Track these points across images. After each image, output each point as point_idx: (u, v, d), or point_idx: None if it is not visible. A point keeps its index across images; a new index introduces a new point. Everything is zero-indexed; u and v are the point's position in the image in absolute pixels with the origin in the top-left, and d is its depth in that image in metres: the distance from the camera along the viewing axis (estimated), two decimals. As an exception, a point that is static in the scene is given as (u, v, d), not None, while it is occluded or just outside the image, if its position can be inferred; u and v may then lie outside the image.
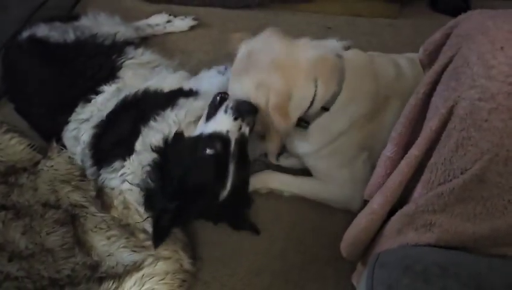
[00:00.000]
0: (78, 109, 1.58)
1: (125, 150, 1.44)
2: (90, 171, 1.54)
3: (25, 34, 1.74)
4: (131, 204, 1.44)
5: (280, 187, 1.59)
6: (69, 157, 1.58)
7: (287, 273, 1.47)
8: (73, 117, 1.57)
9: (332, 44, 1.42)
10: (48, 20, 1.79)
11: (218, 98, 1.39)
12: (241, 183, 1.42)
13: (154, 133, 1.42)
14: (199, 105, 1.49)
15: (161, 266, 1.37)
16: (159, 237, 1.33)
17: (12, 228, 1.43)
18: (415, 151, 1.02)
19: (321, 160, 1.50)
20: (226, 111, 1.34)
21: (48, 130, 1.65)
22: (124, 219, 1.46)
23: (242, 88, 1.36)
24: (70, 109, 1.58)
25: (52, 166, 1.56)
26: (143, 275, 1.35)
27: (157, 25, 2.10)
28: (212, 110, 1.39)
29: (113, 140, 1.48)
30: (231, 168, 1.34)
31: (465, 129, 0.90)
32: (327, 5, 2.17)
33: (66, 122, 1.58)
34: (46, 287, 1.36)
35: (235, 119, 1.33)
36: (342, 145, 1.44)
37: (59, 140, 1.61)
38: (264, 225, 1.55)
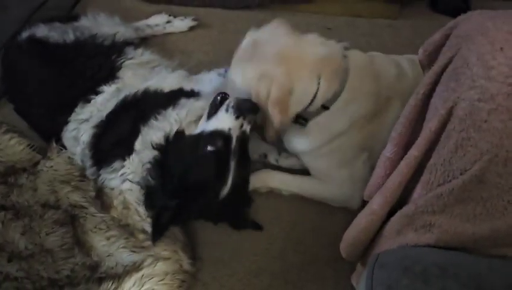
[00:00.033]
0: (77, 109, 1.58)
1: (125, 149, 1.44)
2: (90, 171, 1.54)
3: (25, 34, 1.74)
4: (131, 204, 1.44)
5: (279, 186, 1.59)
6: (69, 157, 1.58)
7: (286, 273, 1.47)
8: (73, 117, 1.58)
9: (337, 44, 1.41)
10: (48, 20, 1.79)
11: (219, 98, 1.39)
12: (242, 181, 1.42)
13: (155, 131, 1.42)
14: (200, 105, 1.49)
15: (161, 266, 1.37)
16: (158, 233, 1.33)
17: (11, 228, 1.42)
18: (415, 151, 1.02)
19: (319, 159, 1.50)
20: (227, 110, 1.34)
21: (48, 130, 1.65)
22: (124, 219, 1.46)
23: (244, 77, 1.35)
24: (69, 109, 1.58)
25: (51, 166, 1.56)
26: (142, 275, 1.35)
27: (156, 25, 2.10)
28: (213, 110, 1.39)
29: (113, 140, 1.49)
30: (232, 165, 1.34)
31: (465, 130, 0.91)
32: (327, 5, 2.17)
33: (66, 123, 1.58)
34: (46, 287, 1.36)
35: (237, 117, 1.33)
36: (341, 145, 1.44)
37: (58, 140, 1.61)
38: (263, 225, 1.55)
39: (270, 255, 1.51)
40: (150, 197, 1.37)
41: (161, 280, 1.35)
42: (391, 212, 1.10)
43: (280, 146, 1.59)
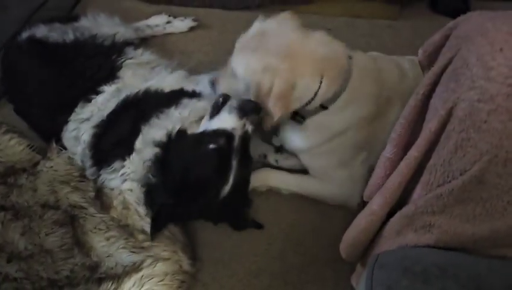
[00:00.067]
0: (78, 109, 1.58)
1: (126, 149, 1.44)
2: (90, 171, 1.54)
3: (25, 34, 1.74)
4: (131, 204, 1.44)
5: (279, 185, 1.59)
6: (69, 158, 1.58)
7: (286, 274, 1.47)
8: (73, 117, 1.57)
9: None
10: (48, 21, 1.79)
11: (221, 99, 1.39)
12: (243, 181, 1.42)
13: (157, 130, 1.42)
14: (202, 105, 1.50)
15: (160, 267, 1.37)
16: (157, 230, 1.34)
17: (11, 228, 1.42)
18: (415, 152, 1.02)
19: (317, 158, 1.50)
20: (230, 111, 1.35)
21: (48, 130, 1.65)
22: (124, 220, 1.45)
23: (247, 66, 1.34)
24: (69, 109, 1.58)
25: (51, 167, 1.56)
26: (142, 276, 1.35)
27: (156, 25, 2.10)
28: (216, 110, 1.39)
29: (114, 140, 1.49)
30: (234, 164, 1.34)
31: (465, 130, 0.91)
32: (327, 6, 2.17)
33: (66, 122, 1.58)
34: (45, 288, 1.36)
35: (240, 118, 1.34)
36: (339, 145, 1.44)
37: (58, 141, 1.60)
38: (263, 226, 1.55)
39: (269, 255, 1.51)
40: (150, 195, 1.37)
41: (161, 281, 1.35)
42: (391, 213, 1.10)
43: (276, 139, 1.58)
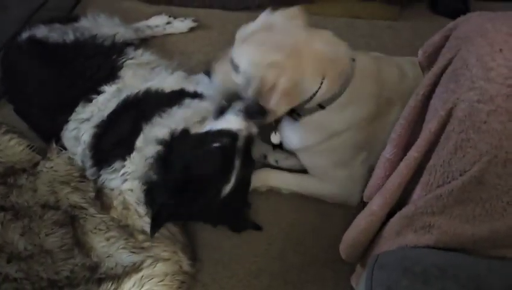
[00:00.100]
0: (78, 109, 1.57)
1: (126, 149, 1.44)
2: (90, 171, 1.54)
3: (25, 34, 1.74)
4: (131, 205, 1.44)
5: (279, 185, 1.60)
6: (69, 158, 1.58)
7: (286, 274, 1.47)
8: (74, 117, 1.57)
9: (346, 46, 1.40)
10: (48, 21, 1.79)
11: (224, 101, 1.40)
12: (244, 182, 1.42)
13: (160, 128, 1.42)
14: (205, 106, 1.50)
15: (160, 267, 1.37)
16: (157, 227, 1.34)
17: (11, 229, 1.42)
18: (414, 153, 1.02)
19: (316, 157, 1.50)
20: (235, 113, 1.36)
21: (48, 131, 1.65)
22: (124, 220, 1.45)
23: (252, 59, 1.31)
24: (70, 109, 1.58)
25: (51, 167, 1.56)
26: (142, 276, 1.35)
27: (156, 26, 2.10)
28: (220, 112, 1.40)
29: (114, 140, 1.48)
30: (237, 163, 1.35)
31: (464, 131, 0.90)
32: (327, 7, 2.17)
33: (66, 122, 1.58)
34: (45, 288, 1.36)
35: (245, 120, 1.35)
36: (338, 145, 1.44)
37: (58, 141, 1.60)
38: (263, 226, 1.55)
39: (269, 256, 1.51)
40: (151, 192, 1.37)
41: (161, 281, 1.35)
42: (391, 214, 1.10)
43: (274, 136, 1.58)
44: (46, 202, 1.51)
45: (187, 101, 1.52)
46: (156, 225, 1.34)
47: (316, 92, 1.33)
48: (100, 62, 1.64)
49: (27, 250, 1.40)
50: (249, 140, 1.38)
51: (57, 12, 2.07)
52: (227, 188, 1.35)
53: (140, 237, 1.44)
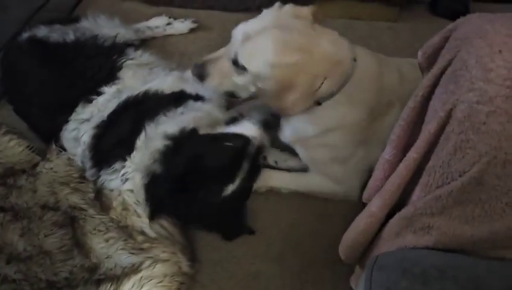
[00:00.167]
0: (78, 109, 1.58)
1: (126, 149, 1.44)
2: (90, 172, 1.54)
3: (25, 34, 1.74)
4: (130, 205, 1.44)
5: (279, 185, 1.60)
6: (68, 159, 1.58)
7: (285, 276, 1.47)
8: (73, 117, 1.57)
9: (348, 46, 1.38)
10: (48, 22, 1.80)
11: (237, 113, 1.46)
12: (246, 188, 1.43)
13: (170, 125, 1.42)
14: (210, 109, 1.52)
15: (159, 268, 1.37)
16: (155, 210, 1.36)
17: (10, 230, 1.42)
18: (414, 154, 1.02)
19: (313, 151, 1.50)
20: (253, 122, 1.39)
21: (47, 131, 1.65)
22: (123, 221, 1.45)
23: (266, 59, 1.27)
24: (70, 109, 1.58)
25: (51, 168, 1.56)
26: (141, 277, 1.35)
27: (157, 27, 2.11)
28: (235, 119, 1.43)
29: (114, 140, 1.48)
30: (245, 166, 1.36)
31: (464, 132, 0.90)
32: (326, 8, 2.17)
33: (66, 122, 1.58)
34: (44, 289, 1.36)
35: (262, 130, 1.38)
36: (334, 141, 1.44)
37: (57, 141, 1.60)
38: (262, 228, 1.55)
39: (268, 257, 1.51)
40: (153, 185, 1.36)
41: (160, 282, 1.35)
42: (390, 215, 1.10)
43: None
44: (46, 203, 1.51)
45: (191, 103, 1.52)
46: (155, 211, 1.35)
47: (316, 91, 1.33)
48: (101, 62, 1.64)
49: (26, 251, 1.40)
50: (260, 150, 1.40)
51: (57, 13, 2.08)
52: (231, 189, 1.36)
53: (140, 238, 1.44)
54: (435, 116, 0.97)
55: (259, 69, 1.30)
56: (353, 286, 1.29)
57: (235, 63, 1.34)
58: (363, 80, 1.37)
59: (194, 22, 2.14)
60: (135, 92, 1.55)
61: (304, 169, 1.60)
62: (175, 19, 2.14)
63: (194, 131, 1.41)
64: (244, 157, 1.36)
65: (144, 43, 2.01)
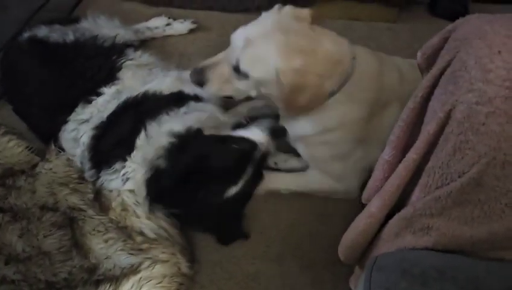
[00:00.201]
0: (78, 110, 1.57)
1: (126, 149, 1.43)
2: (89, 173, 1.53)
3: (25, 34, 1.74)
4: (129, 206, 1.44)
5: (279, 186, 1.60)
6: (67, 159, 1.58)
7: (284, 277, 1.47)
8: (73, 117, 1.57)
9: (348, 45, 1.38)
10: (48, 22, 1.80)
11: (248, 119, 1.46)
12: (247, 192, 1.43)
13: (176, 123, 1.41)
14: (212, 110, 1.52)
15: (159, 269, 1.37)
16: (153, 200, 1.36)
17: (9, 230, 1.42)
18: (413, 154, 1.02)
19: (313, 149, 1.50)
20: (262, 129, 1.40)
21: (47, 132, 1.65)
22: (122, 221, 1.45)
23: (274, 64, 1.25)
24: (69, 110, 1.58)
25: (50, 169, 1.56)
26: (140, 278, 1.34)
27: (156, 27, 2.11)
28: (242, 124, 1.44)
29: (114, 141, 1.48)
30: (249, 170, 1.37)
31: (463, 133, 0.91)
32: (326, 9, 2.18)
33: (65, 122, 1.58)
34: (43, 290, 1.36)
35: (268, 137, 1.39)
36: (333, 140, 1.44)
37: (57, 142, 1.60)
38: (261, 228, 1.55)
39: (267, 258, 1.51)
40: (155, 181, 1.36)
41: (159, 283, 1.35)
42: (389, 215, 1.10)
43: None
44: (45, 204, 1.50)
45: (192, 103, 1.52)
46: (152, 199, 1.35)
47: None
48: (100, 63, 1.64)
49: (25, 252, 1.40)
50: (265, 156, 1.41)
51: (57, 13, 2.08)
52: (233, 191, 1.36)
53: (139, 238, 1.43)
54: (434, 117, 0.97)
55: (263, 75, 1.29)
56: (352, 287, 1.29)
57: (236, 69, 1.33)
58: (363, 79, 1.37)
59: (193, 22, 2.14)
60: (134, 93, 1.55)
61: (304, 170, 1.60)
62: (174, 19, 2.14)
63: (199, 131, 1.42)
64: (250, 162, 1.37)
65: (143, 44, 2.01)
